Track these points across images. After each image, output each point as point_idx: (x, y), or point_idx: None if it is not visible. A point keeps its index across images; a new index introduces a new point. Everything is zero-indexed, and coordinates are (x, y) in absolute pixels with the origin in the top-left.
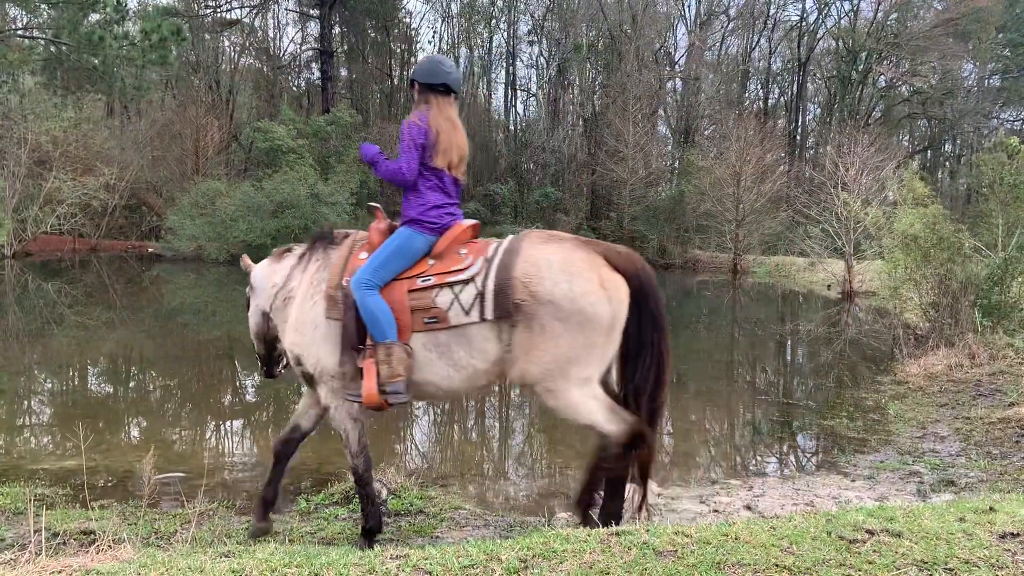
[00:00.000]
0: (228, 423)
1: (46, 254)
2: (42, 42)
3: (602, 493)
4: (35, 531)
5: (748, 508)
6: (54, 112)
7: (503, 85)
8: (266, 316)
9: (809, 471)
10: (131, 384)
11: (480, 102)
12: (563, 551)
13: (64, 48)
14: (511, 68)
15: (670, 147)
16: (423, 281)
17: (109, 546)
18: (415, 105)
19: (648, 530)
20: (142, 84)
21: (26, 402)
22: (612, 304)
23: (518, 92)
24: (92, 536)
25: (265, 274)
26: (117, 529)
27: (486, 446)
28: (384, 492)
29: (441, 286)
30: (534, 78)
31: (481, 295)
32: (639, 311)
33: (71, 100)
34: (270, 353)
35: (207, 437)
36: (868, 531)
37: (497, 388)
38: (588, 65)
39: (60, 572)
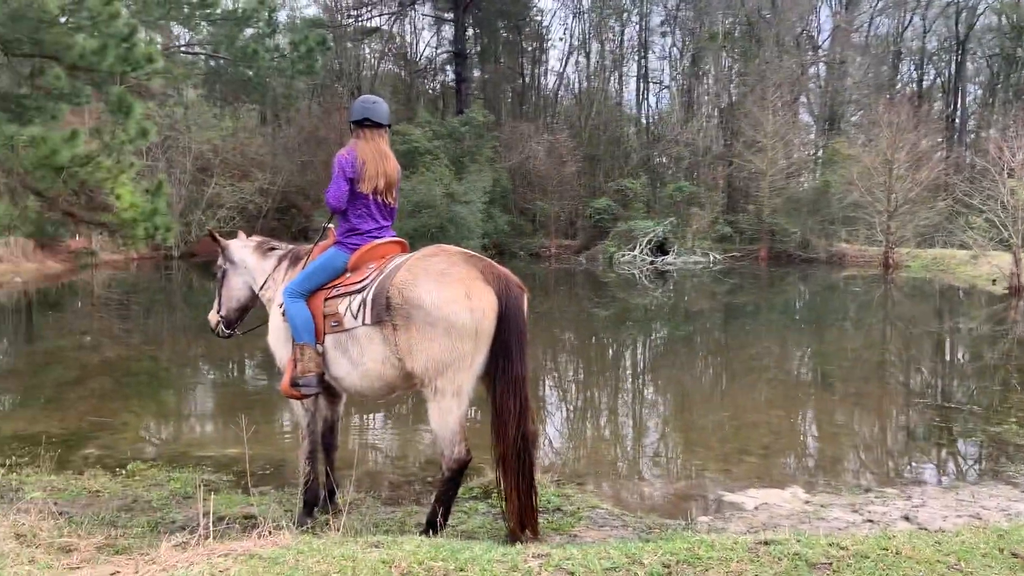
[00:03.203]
0: (371, 415)
1: (209, 255)
2: (202, 57)
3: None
4: (203, 515)
5: (906, 519)
6: (214, 122)
7: (635, 78)
8: (252, 291)
9: (973, 480)
10: (281, 376)
11: (611, 97)
12: (708, 558)
13: (222, 62)
14: (643, 61)
15: (813, 135)
16: (336, 291)
17: (270, 532)
18: (348, 141)
19: (800, 540)
20: (291, 93)
21: (191, 393)
22: (474, 314)
23: (650, 85)
24: (253, 521)
25: (255, 259)
26: (276, 515)
27: (620, 444)
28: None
29: (344, 295)
30: (666, 70)
31: (364, 302)
32: (497, 335)
33: (228, 110)
34: (240, 319)
35: (353, 427)
36: None
37: (629, 386)
38: (724, 54)
39: (226, 555)
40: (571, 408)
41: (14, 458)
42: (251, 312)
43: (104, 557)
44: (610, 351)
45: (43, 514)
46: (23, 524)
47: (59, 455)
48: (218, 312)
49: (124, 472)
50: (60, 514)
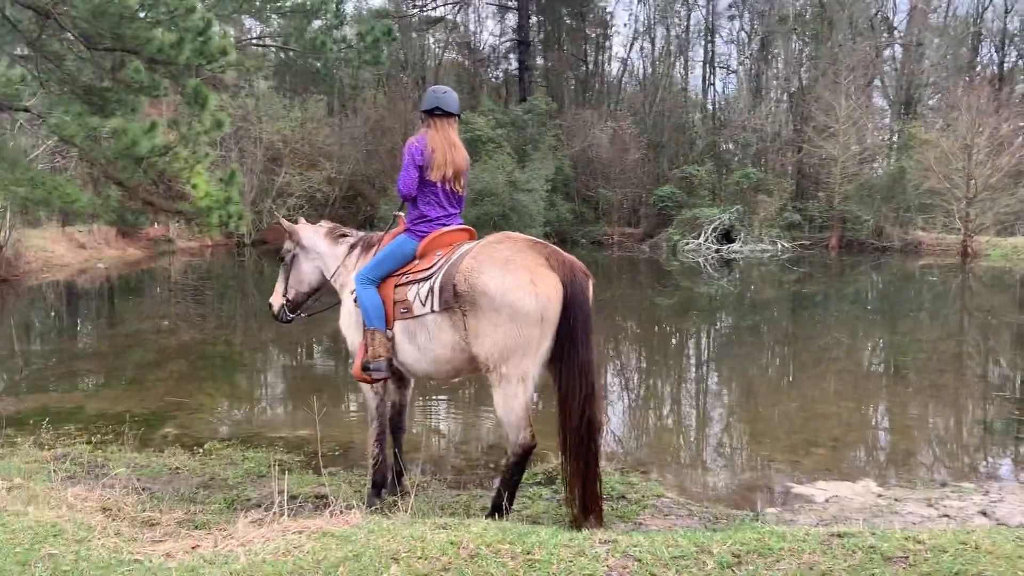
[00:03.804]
0: (436, 399)
1: (279, 242)
2: (273, 49)
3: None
4: (278, 493)
5: (984, 514)
6: (283, 113)
7: (701, 63)
8: (323, 276)
9: None
10: (351, 360)
11: (676, 83)
12: (779, 549)
13: (292, 54)
14: (710, 45)
15: (888, 120)
16: (405, 278)
17: (341, 511)
18: (419, 130)
19: (874, 533)
20: (358, 83)
21: (263, 376)
22: (539, 300)
23: (717, 70)
24: (325, 500)
25: (326, 245)
26: (347, 495)
27: (684, 433)
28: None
29: (413, 283)
30: (734, 54)
31: (432, 290)
32: (562, 322)
33: (298, 101)
34: (304, 303)
35: (418, 411)
36: None
37: (693, 375)
38: (794, 37)
39: (300, 532)
40: (634, 396)
41: (99, 436)
42: (313, 297)
43: (185, 531)
44: (674, 340)
45: (127, 489)
46: (109, 498)
47: (141, 434)
48: (284, 295)
49: (201, 451)
50: (143, 490)
